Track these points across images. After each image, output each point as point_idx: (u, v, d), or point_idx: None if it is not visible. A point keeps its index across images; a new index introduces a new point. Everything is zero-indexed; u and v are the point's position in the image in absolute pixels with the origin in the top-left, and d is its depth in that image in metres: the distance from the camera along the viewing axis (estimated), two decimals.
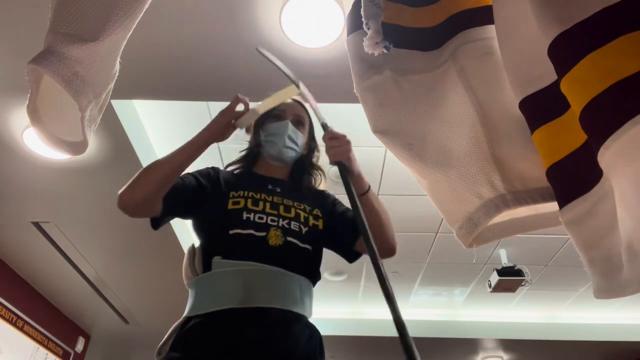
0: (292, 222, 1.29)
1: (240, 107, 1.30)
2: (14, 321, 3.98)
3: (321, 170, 1.52)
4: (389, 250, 1.32)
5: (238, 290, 1.16)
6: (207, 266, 1.23)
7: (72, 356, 4.80)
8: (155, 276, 4.05)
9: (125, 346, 5.63)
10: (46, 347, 4.39)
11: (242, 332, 1.12)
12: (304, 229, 1.30)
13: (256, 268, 1.20)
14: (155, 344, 1.21)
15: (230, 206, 1.27)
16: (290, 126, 1.40)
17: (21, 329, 4.07)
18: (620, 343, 4.92)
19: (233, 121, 1.29)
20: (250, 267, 1.20)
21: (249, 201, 1.29)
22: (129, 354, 5.88)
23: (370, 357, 5.41)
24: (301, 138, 1.44)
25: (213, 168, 1.42)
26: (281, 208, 1.31)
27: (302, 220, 1.31)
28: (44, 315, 4.39)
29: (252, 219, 1.26)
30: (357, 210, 1.04)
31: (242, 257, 1.21)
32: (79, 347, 4.95)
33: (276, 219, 1.28)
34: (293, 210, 1.32)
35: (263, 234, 1.24)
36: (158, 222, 1.30)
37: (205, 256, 1.25)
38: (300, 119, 1.46)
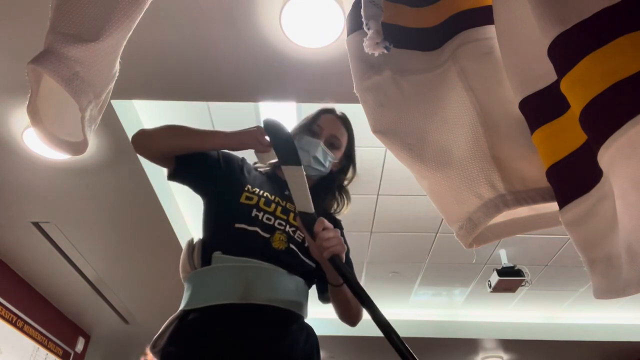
0: (297, 232, 1.29)
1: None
2: (14, 321, 3.98)
3: (347, 195, 1.47)
4: (351, 324, 1.34)
5: (238, 286, 1.16)
6: (206, 260, 1.23)
7: (72, 356, 4.80)
8: (155, 276, 4.05)
9: (125, 346, 5.63)
10: (46, 347, 4.39)
11: (242, 329, 1.12)
12: (305, 244, 1.29)
13: (257, 265, 1.20)
14: None
15: (242, 200, 1.29)
16: (322, 147, 1.38)
17: (21, 329, 4.07)
18: (620, 343, 4.92)
19: (255, 152, 1.33)
20: (251, 264, 1.20)
21: (262, 200, 1.29)
22: (129, 354, 5.87)
23: (370, 357, 5.41)
24: (330, 159, 1.41)
25: (242, 159, 1.43)
26: (291, 215, 1.31)
27: None
28: (44, 315, 4.39)
29: (260, 217, 1.26)
30: (366, 300, 1.05)
31: (244, 254, 1.21)
32: (79, 347, 4.95)
33: (284, 223, 1.28)
34: None
35: (268, 235, 1.25)
36: (171, 177, 1.35)
37: (205, 250, 1.25)
38: (335, 142, 1.43)
